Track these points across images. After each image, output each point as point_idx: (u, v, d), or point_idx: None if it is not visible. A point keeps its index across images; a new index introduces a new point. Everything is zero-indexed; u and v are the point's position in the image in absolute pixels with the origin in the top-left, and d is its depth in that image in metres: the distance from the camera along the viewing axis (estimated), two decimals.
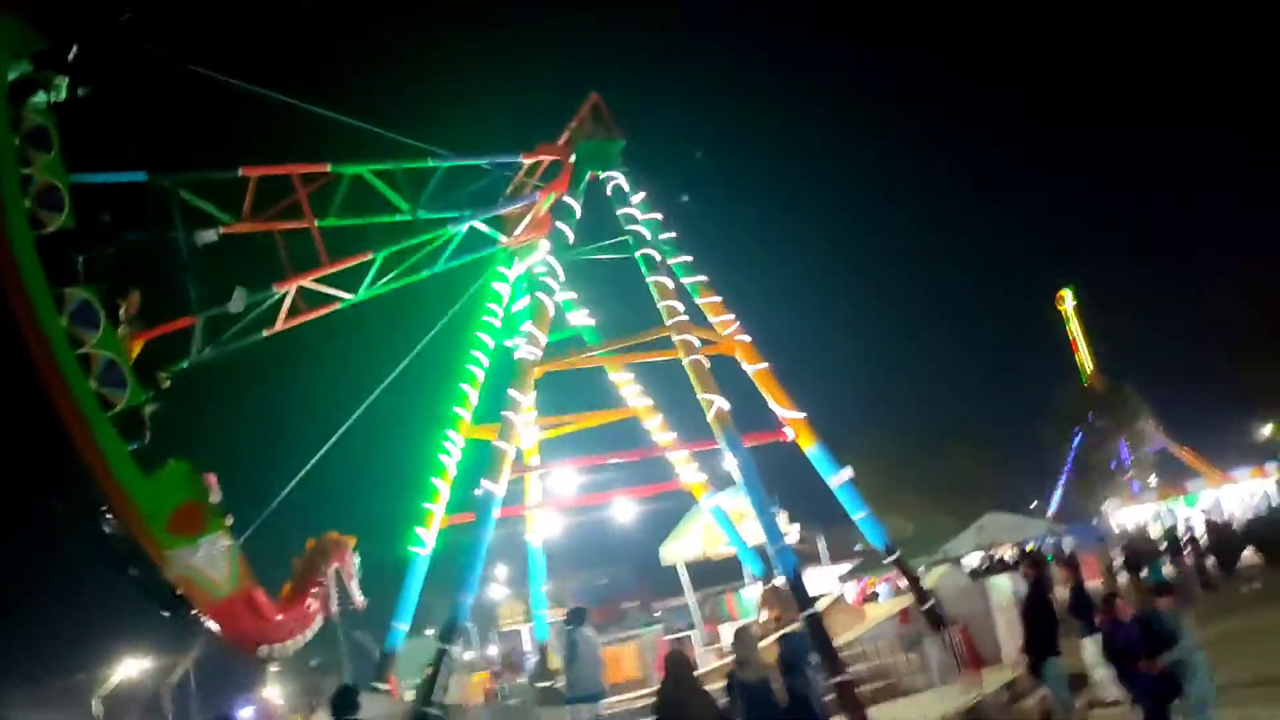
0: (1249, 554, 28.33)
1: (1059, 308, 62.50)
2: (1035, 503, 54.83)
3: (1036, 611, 13.16)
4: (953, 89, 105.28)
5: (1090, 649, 13.06)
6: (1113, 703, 12.37)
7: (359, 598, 11.74)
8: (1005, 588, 15.54)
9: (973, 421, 53.15)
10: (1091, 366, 61.10)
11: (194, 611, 10.06)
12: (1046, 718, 12.48)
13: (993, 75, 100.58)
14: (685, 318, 14.73)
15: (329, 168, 13.79)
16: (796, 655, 9.16)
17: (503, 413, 14.65)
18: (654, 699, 9.18)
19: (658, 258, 15.31)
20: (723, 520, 18.96)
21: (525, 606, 36.53)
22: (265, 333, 13.32)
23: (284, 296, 13.36)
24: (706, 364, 14.42)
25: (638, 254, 15.49)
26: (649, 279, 15.20)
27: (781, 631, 12.61)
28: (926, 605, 15.05)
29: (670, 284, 15.11)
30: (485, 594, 31.30)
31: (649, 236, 15.53)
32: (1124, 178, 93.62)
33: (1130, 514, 42.49)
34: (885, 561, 15.51)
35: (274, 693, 37.64)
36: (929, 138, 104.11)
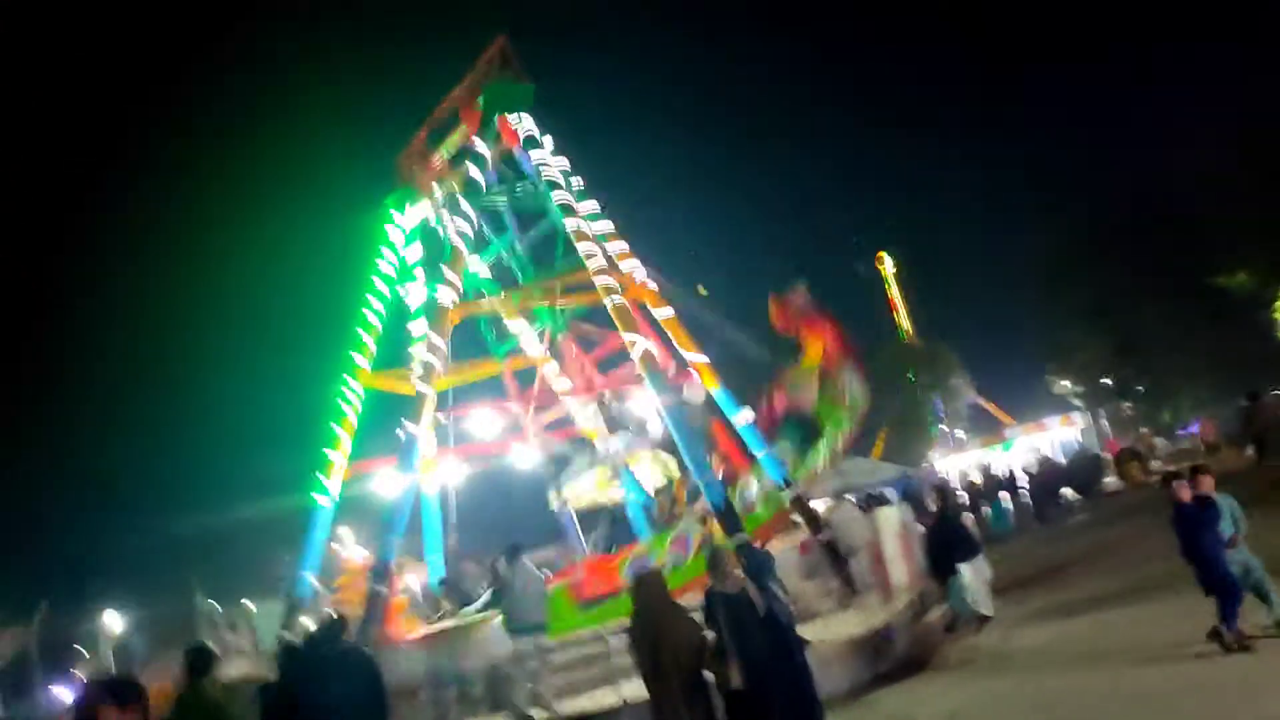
0: (1067, 491, 31.05)
1: (879, 269, 65.71)
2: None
3: (942, 535, 14.33)
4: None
5: (966, 572, 14.15)
6: (988, 618, 13.66)
7: None
8: (894, 518, 16.59)
9: None
10: (909, 326, 64.62)
11: None
12: (951, 627, 13.61)
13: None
14: (604, 261, 14.96)
15: None
16: (761, 568, 9.64)
17: (421, 355, 14.57)
18: (628, 623, 9.22)
19: (573, 203, 15.46)
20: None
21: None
22: None
23: None
24: (628, 306, 14.72)
25: (554, 199, 15.61)
26: (566, 222, 15.36)
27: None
28: (823, 536, 15.92)
29: (588, 228, 15.31)
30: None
31: (563, 182, 15.64)
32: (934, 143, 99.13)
33: (953, 461, 45.51)
34: (785, 495, 16.21)
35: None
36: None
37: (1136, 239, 42.22)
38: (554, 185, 15.57)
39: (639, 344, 14.24)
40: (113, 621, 34.78)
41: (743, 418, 16.48)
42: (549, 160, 15.77)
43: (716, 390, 16.42)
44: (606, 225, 16.36)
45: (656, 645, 8.70)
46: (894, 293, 65.50)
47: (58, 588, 35.38)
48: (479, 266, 18.32)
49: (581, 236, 15.05)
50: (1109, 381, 49.04)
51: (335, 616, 9.99)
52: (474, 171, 15.53)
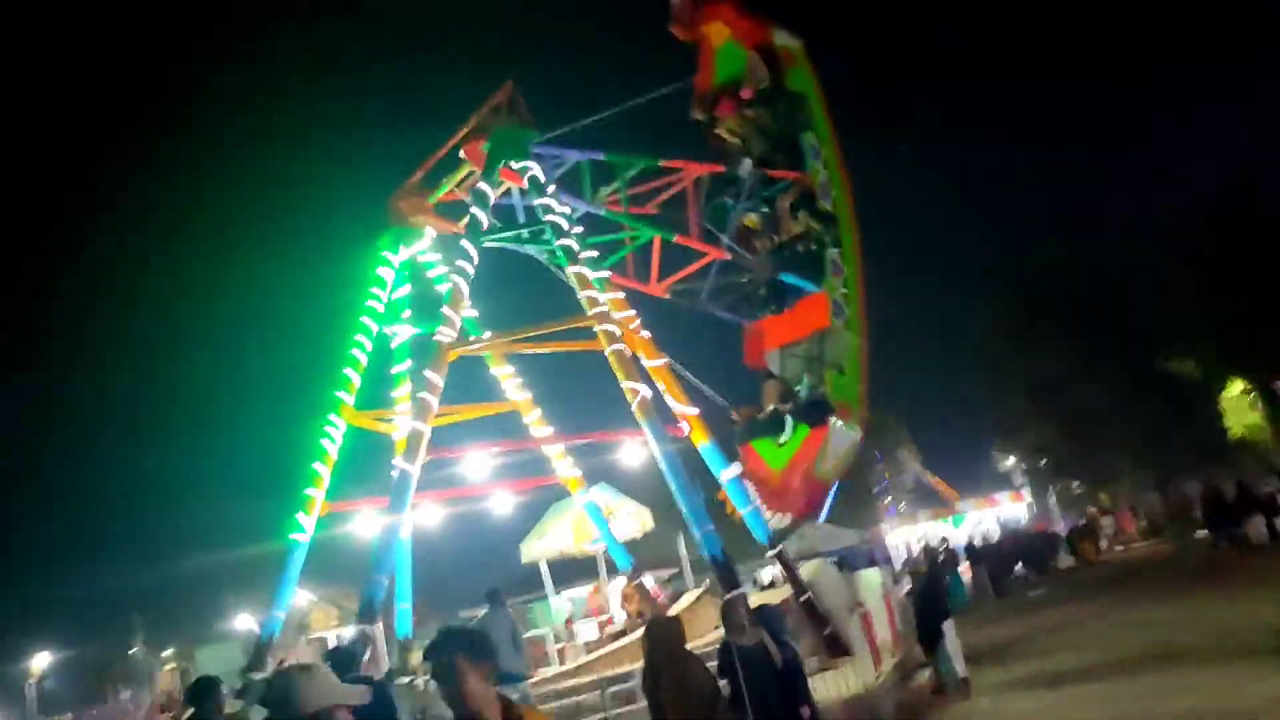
0: (1019, 567, 31.44)
1: None
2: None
3: (930, 597, 14.39)
4: None
5: (950, 634, 14.24)
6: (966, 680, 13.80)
7: None
8: (875, 581, 16.61)
9: None
10: None
11: None
12: (939, 689, 13.60)
13: None
14: (606, 308, 14.92)
15: None
16: (778, 623, 9.58)
17: (418, 394, 14.35)
18: (644, 672, 9.11)
19: (576, 248, 15.44)
20: (596, 515, 19.16)
21: (337, 611, 35.33)
22: None
23: None
24: (629, 354, 14.66)
25: (557, 244, 15.59)
26: (569, 269, 15.33)
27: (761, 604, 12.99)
28: (803, 597, 15.84)
29: (590, 274, 15.29)
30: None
31: (566, 228, 15.64)
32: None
33: (904, 532, 45.81)
34: (767, 555, 16.13)
35: None
36: None
37: (1082, 318, 43.22)
38: (556, 231, 15.59)
39: (640, 392, 14.16)
40: (40, 662, 33.54)
41: (729, 473, 16.44)
42: (553, 205, 15.80)
43: (705, 444, 16.37)
44: (604, 273, 16.40)
45: (668, 691, 8.71)
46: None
47: None
48: (468, 309, 18.21)
49: (584, 283, 15.03)
50: (1045, 463, 49.91)
51: (352, 642, 9.72)
52: (478, 212, 15.48)
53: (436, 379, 14.37)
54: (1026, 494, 46.34)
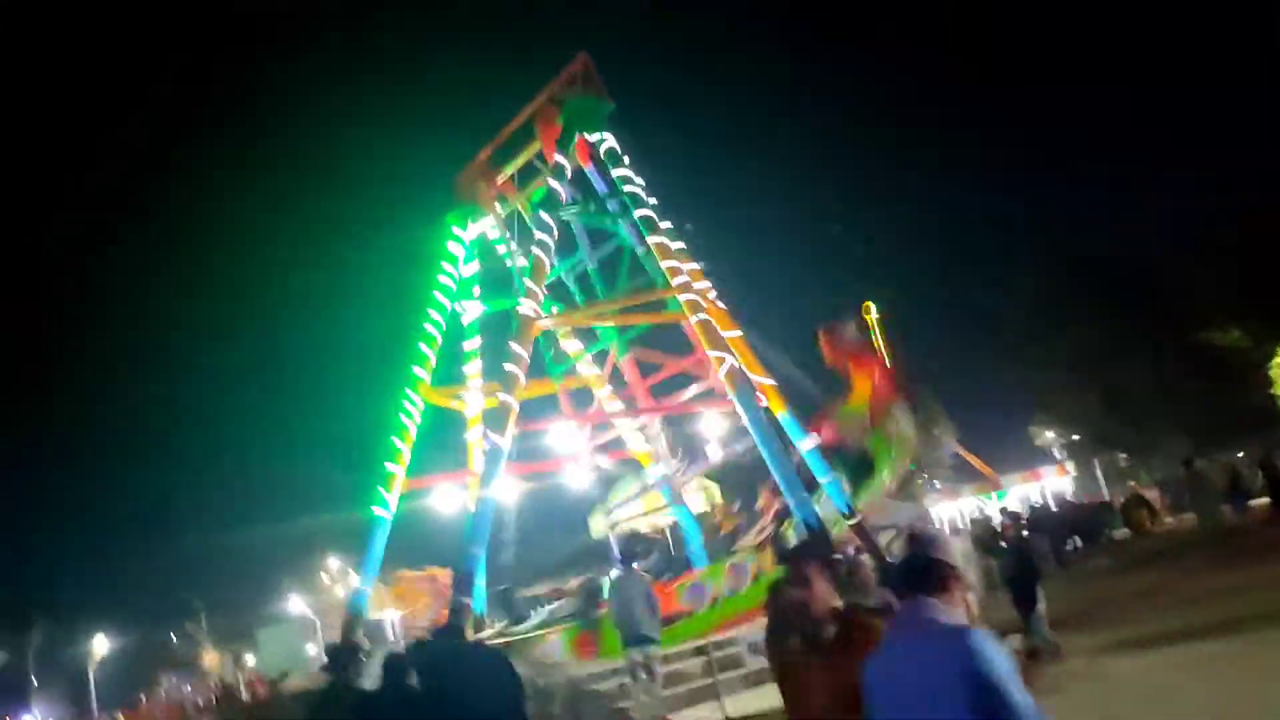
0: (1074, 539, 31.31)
1: (865, 318, 66.04)
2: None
3: (1021, 566, 14.36)
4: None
5: (1040, 599, 14.20)
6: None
7: None
8: (957, 549, 16.54)
9: None
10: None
11: None
12: (1033, 654, 13.57)
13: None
14: (687, 278, 14.91)
15: None
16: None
17: (506, 366, 14.42)
18: (768, 631, 9.16)
19: (655, 218, 15.43)
20: (666, 490, 19.21)
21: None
22: None
23: None
24: (713, 323, 14.67)
25: (637, 215, 15.59)
26: (649, 239, 15.33)
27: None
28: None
29: (670, 245, 15.28)
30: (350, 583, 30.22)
31: (645, 198, 15.62)
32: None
33: (947, 507, 45.59)
34: (848, 524, 16.15)
35: None
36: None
37: (1123, 290, 42.93)
38: (635, 202, 15.57)
39: (726, 361, 14.17)
40: (100, 645, 33.90)
41: (808, 443, 16.43)
42: (630, 177, 15.77)
43: (783, 414, 16.37)
44: (681, 244, 16.39)
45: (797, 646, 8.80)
46: (879, 341, 65.83)
47: (58, 607, 34.48)
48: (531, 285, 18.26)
49: (665, 253, 15.01)
50: (1080, 437, 49.60)
51: (456, 609, 9.80)
52: (554, 184, 15.48)
53: (523, 352, 14.47)
54: (1071, 467, 46.09)
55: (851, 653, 3.58)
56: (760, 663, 11.79)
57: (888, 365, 18.34)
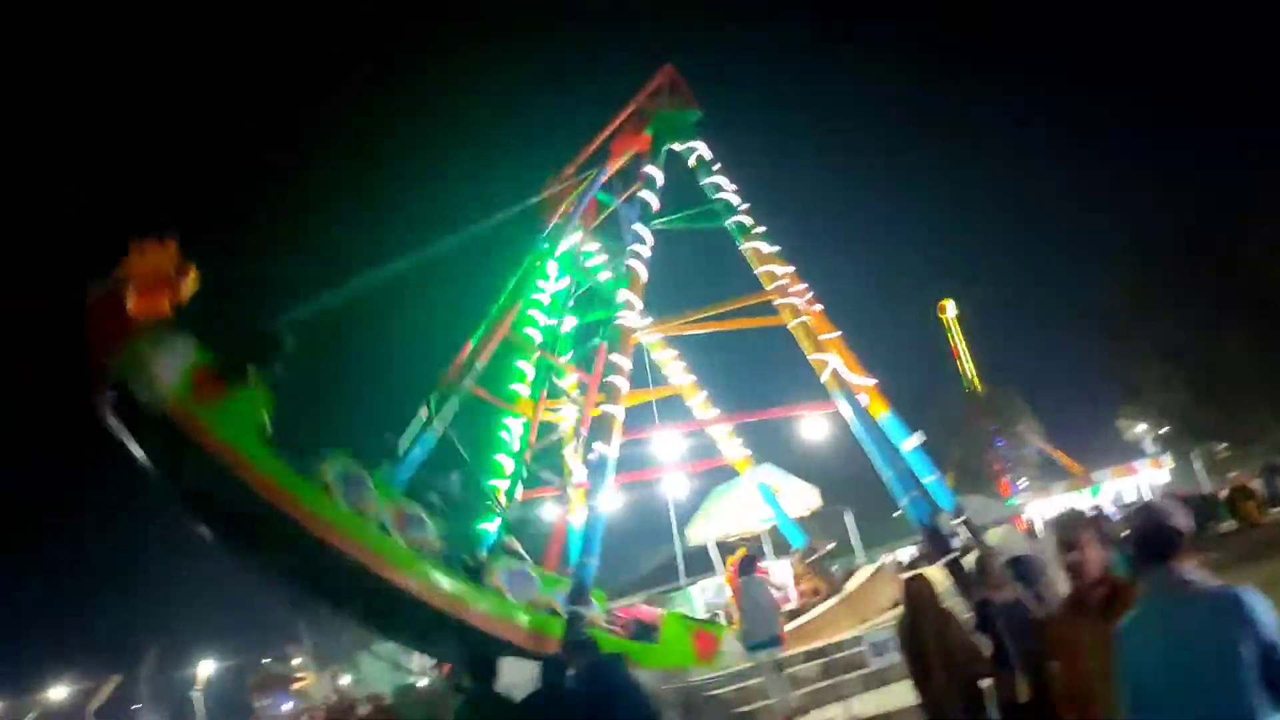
0: None
1: (941, 316, 65.32)
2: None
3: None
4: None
5: None
6: None
7: None
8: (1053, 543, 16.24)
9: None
10: (973, 372, 64.03)
11: None
12: None
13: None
14: (785, 282, 14.88)
15: None
16: (1036, 576, 9.40)
17: (609, 378, 14.50)
18: (900, 632, 9.09)
19: (749, 223, 15.44)
20: (767, 494, 19.13)
21: None
22: None
23: None
24: (812, 326, 14.60)
25: (729, 221, 15.61)
26: (743, 245, 15.34)
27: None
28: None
29: (764, 249, 15.26)
30: None
31: (737, 204, 15.64)
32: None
33: (1039, 505, 44.79)
34: (954, 522, 15.91)
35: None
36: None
37: (1214, 270, 41.61)
38: (731, 208, 15.59)
39: (829, 363, 14.10)
40: (205, 670, 34.69)
41: (911, 443, 16.27)
42: (723, 184, 15.81)
43: (885, 414, 16.23)
44: (775, 248, 16.37)
45: (927, 650, 8.70)
46: (956, 339, 65.04)
47: (168, 634, 35.34)
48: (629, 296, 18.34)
49: (763, 259, 15.00)
50: (1171, 429, 48.19)
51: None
52: (648, 195, 15.56)
53: (624, 362, 14.54)
54: (1166, 460, 44.87)
55: (1117, 615, 3.71)
56: (882, 663, 11.66)
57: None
